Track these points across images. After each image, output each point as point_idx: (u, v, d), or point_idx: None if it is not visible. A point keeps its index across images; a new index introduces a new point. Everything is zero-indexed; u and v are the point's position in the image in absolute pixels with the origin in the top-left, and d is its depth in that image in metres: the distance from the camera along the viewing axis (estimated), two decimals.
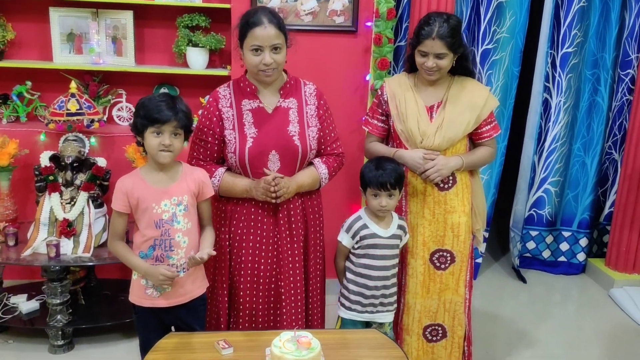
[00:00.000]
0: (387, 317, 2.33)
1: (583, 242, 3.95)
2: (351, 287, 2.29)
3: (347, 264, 2.33)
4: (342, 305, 2.32)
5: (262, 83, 2.14)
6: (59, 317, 2.76)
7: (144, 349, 2.02)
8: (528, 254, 4.03)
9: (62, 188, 2.82)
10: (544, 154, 3.81)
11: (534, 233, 3.97)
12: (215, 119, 2.14)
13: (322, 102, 2.26)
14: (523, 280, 3.84)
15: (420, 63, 2.29)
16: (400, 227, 2.31)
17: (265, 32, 2.01)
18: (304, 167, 2.20)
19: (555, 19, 3.58)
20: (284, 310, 2.21)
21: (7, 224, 2.90)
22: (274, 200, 2.09)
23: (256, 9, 2.13)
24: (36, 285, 3.12)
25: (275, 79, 2.13)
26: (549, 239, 3.98)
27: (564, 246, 3.98)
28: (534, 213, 3.93)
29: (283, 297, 2.21)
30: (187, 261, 2.01)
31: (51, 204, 2.78)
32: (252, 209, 2.17)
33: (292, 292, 2.23)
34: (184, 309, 2.07)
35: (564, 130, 3.75)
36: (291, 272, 2.22)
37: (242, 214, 2.18)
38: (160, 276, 1.95)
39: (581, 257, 3.98)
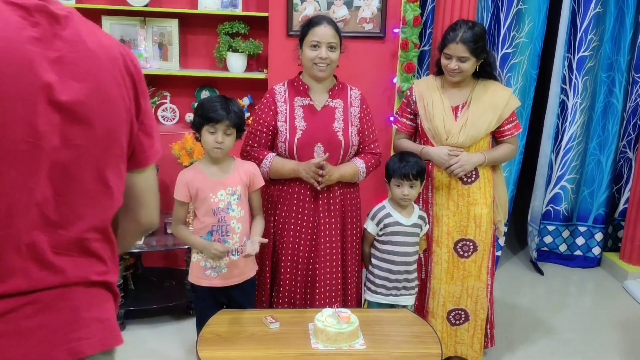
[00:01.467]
0: (409, 300, 2.53)
1: (598, 236, 4.13)
2: (376, 271, 2.51)
3: (373, 250, 2.55)
4: (368, 289, 2.54)
5: (315, 79, 2.39)
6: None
7: (200, 324, 2.26)
8: (545, 248, 4.21)
9: None
10: (561, 153, 3.99)
11: (551, 228, 4.16)
12: (271, 112, 2.40)
13: (364, 106, 2.51)
14: (540, 272, 4.02)
15: (444, 65, 2.51)
16: (420, 217, 2.52)
17: (324, 30, 2.31)
18: (345, 159, 2.45)
19: (572, 24, 3.76)
20: (318, 292, 2.45)
21: None
22: (317, 185, 2.33)
23: (317, 14, 2.50)
24: None
25: (327, 75, 2.38)
26: (566, 234, 4.17)
27: (580, 240, 4.17)
28: (551, 209, 4.12)
29: (317, 279, 2.44)
30: (242, 252, 2.24)
31: None
32: (296, 194, 2.42)
33: (328, 275, 2.46)
34: (236, 289, 2.31)
35: (580, 130, 3.94)
36: (327, 257, 2.45)
37: (286, 198, 2.43)
38: (214, 250, 2.18)
39: (596, 251, 4.16)
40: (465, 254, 2.62)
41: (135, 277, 3.33)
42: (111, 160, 1.09)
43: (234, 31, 3.38)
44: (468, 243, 2.61)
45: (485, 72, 2.58)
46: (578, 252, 4.18)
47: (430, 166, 2.60)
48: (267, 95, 2.47)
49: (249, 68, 3.48)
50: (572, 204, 4.11)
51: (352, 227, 2.52)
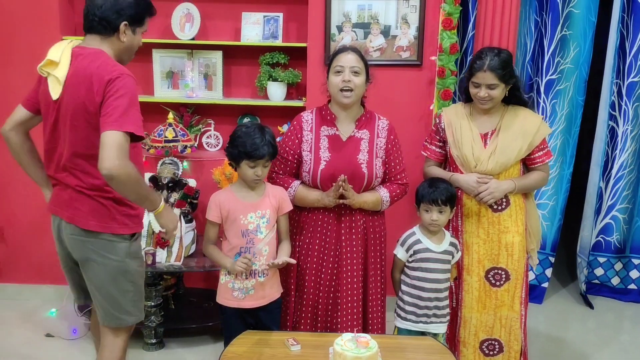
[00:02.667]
0: (440, 328, 2.50)
1: None
2: (406, 298, 2.50)
3: (403, 276, 2.54)
4: (398, 315, 2.53)
5: (341, 107, 2.43)
6: (152, 318, 3.13)
7: (228, 344, 2.32)
8: (596, 281, 4.03)
9: None
10: (611, 181, 3.84)
11: (602, 259, 3.98)
12: (297, 140, 2.47)
13: (392, 137, 2.52)
14: (590, 305, 3.85)
15: (474, 93, 2.50)
16: (452, 244, 2.50)
17: (346, 56, 2.38)
18: (369, 190, 2.46)
19: (621, 49, 3.66)
20: (340, 316, 2.46)
21: None
22: (340, 200, 2.34)
23: (343, 45, 2.56)
24: None
25: (352, 102, 2.40)
26: (618, 266, 3.98)
27: (634, 274, 3.96)
28: (601, 239, 3.95)
29: (340, 303, 2.46)
30: (267, 265, 2.30)
31: (149, 219, 3.19)
32: (320, 222, 2.45)
33: (349, 299, 2.47)
34: (263, 311, 2.37)
35: (632, 158, 3.79)
36: (349, 282, 2.47)
37: (310, 224, 2.47)
38: (239, 265, 2.24)
39: None
40: (498, 283, 2.57)
41: (176, 297, 3.45)
42: (81, 121, 2.02)
43: (274, 61, 3.50)
44: (500, 272, 2.56)
45: (514, 97, 2.55)
46: (632, 286, 3.98)
47: (459, 193, 2.59)
48: (295, 122, 2.53)
49: (288, 96, 3.59)
50: (624, 234, 3.93)
51: (374, 255, 2.53)
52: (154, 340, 3.15)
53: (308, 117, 2.51)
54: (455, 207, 2.52)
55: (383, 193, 2.48)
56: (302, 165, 2.46)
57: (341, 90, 2.37)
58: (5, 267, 3.77)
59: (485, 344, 2.62)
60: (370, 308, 2.54)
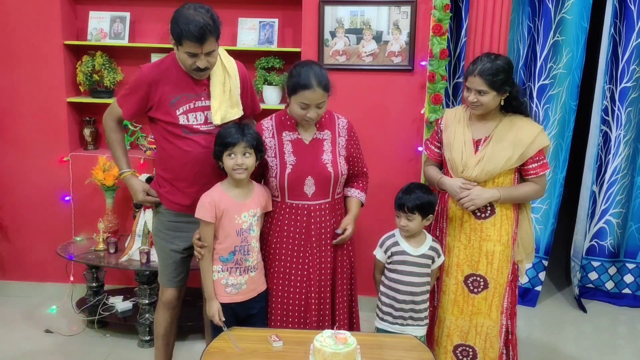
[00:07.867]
0: (418, 331, 2.51)
1: None
2: (383, 298, 2.54)
3: (382, 277, 2.58)
4: (377, 315, 2.57)
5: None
6: (147, 315, 3.21)
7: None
8: (591, 285, 4.04)
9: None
10: (605, 186, 3.86)
11: (596, 264, 4.00)
12: None
13: (352, 134, 2.56)
14: (584, 309, 3.86)
15: (465, 97, 2.49)
16: (432, 248, 2.52)
17: (314, 95, 2.32)
18: (336, 188, 2.50)
19: (613, 54, 3.68)
20: (310, 314, 2.51)
21: (109, 235, 3.44)
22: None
23: (307, 68, 2.34)
24: (131, 289, 3.62)
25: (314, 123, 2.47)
26: (612, 270, 3.99)
27: (629, 278, 3.97)
28: (595, 244, 3.97)
29: (310, 301, 2.49)
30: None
31: (145, 219, 3.28)
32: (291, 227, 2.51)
33: (318, 296, 2.51)
34: (253, 301, 2.46)
35: (625, 162, 3.80)
36: (317, 279, 2.50)
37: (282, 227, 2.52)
38: (214, 314, 2.38)
39: None
40: (476, 290, 2.57)
41: None
42: None
43: (270, 66, 3.58)
44: (478, 279, 2.56)
45: (511, 106, 2.51)
46: (627, 290, 3.98)
47: (446, 196, 2.62)
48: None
49: (283, 100, 3.65)
50: (618, 239, 3.94)
51: (342, 254, 2.57)
52: (148, 337, 3.23)
53: (268, 124, 2.51)
54: (430, 215, 2.51)
55: (358, 195, 2.62)
56: (267, 171, 2.49)
57: (306, 120, 2.40)
58: (8, 265, 3.89)
59: (459, 349, 2.62)
60: (338, 305, 2.56)
